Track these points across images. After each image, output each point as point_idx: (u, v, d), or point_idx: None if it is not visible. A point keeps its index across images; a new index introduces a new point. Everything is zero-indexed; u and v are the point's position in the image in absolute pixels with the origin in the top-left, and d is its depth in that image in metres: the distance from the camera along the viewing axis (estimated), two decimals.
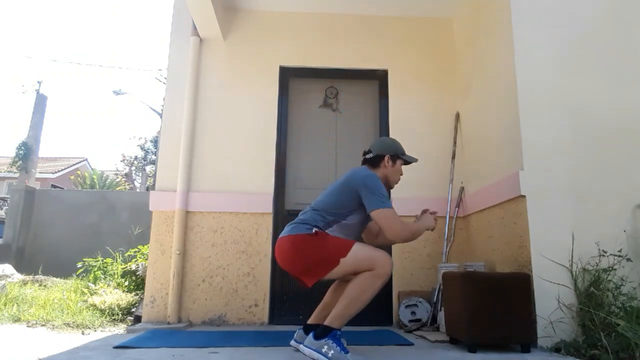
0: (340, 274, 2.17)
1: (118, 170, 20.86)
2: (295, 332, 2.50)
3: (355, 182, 2.22)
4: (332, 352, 1.99)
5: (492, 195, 3.03)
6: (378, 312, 3.46)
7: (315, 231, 2.16)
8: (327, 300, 2.43)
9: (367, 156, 2.44)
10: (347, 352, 2.03)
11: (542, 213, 2.61)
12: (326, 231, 2.21)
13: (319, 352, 1.99)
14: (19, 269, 7.62)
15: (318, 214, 2.24)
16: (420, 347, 2.53)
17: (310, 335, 2.06)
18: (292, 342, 2.40)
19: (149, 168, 19.07)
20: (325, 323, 2.08)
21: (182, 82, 3.66)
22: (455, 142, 3.68)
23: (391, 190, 3.60)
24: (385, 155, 2.39)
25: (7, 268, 6.40)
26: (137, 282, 4.35)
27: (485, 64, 3.29)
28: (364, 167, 2.38)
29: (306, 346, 2.04)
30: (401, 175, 2.46)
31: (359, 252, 2.13)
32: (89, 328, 3.23)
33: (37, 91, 13.27)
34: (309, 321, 2.43)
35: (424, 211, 2.42)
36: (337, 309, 2.09)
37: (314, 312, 2.45)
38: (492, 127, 3.15)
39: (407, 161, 2.47)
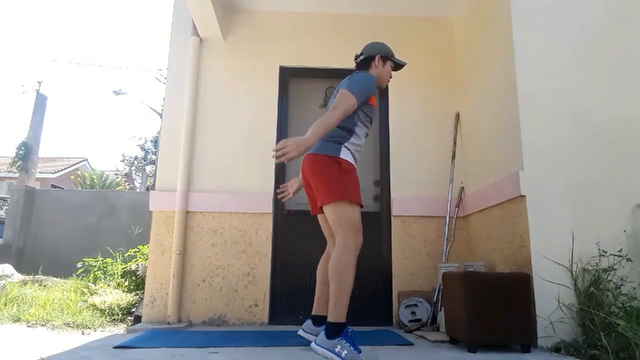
0: (329, 215, 2.23)
1: (118, 170, 20.86)
2: (296, 332, 2.51)
3: (351, 78, 2.35)
4: (345, 352, 1.98)
5: (492, 195, 3.03)
6: (378, 312, 3.46)
7: (339, 160, 2.25)
8: (320, 287, 2.47)
9: (359, 59, 2.54)
10: (360, 352, 2.03)
11: (542, 213, 2.61)
12: (348, 143, 2.30)
13: (332, 352, 1.99)
14: (19, 269, 7.63)
15: (337, 127, 2.29)
16: (420, 347, 2.53)
17: (322, 334, 2.06)
18: (301, 331, 2.42)
19: (149, 168, 19.08)
20: (330, 320, 2.07)
21: (182, 82, 3.66)
22: (455, 142, 3.68)
23: (391, 191, 3.62)
24: (376, 56, 2.50)
25: (7, 268, 6.40)
26: (137, 282, 4.35)
27: (485, 64, 3.29)
28: (360, 72, 2.47)
29: (318, 345, 2.03)
30: (390, 77, 2.56)
31: (350, 212, 2.19)
32: (89, 328, 3.23)
33: (37, 91, 13.26)
34: (315, 311, 2.45)
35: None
36: (330, 300, 2.10)
37: (315, 301, 2.48)
38: (492, 127, 3.15)
39: (397, 63, 2.57)
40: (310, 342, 2.16)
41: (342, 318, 2.07)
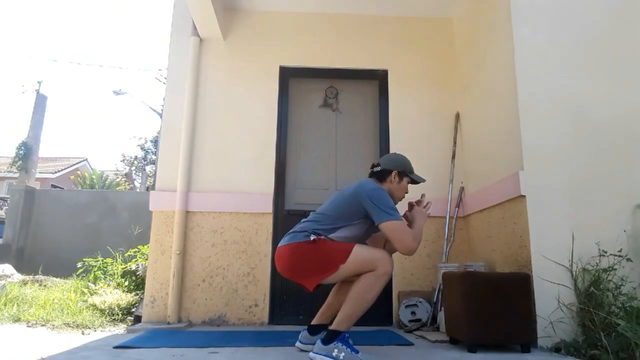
0: (342, 277, 2.19)
1: (118, 170, 20.86)
2: (296, 332, 2.51)
3: (362, 194, 2.21)
4: (342, 354, 1.99)
5: (492, 195, 3.03)
6: (378, 312, 3.46)
7: (314, 238, 2.17)
8: (331, 301, 2.45)
9: (375, 169, 2.42)
10: (357, 352, 2.03)
11: (542, 213, 2.61)
12: (329, 236, 2.21)
13: (330, 357, 2.00)
14: (19, 269, 7.63)
15: (320, 221, 2.24)
16: (420, 347, 2.53)
17: (318, 342, 2.07)
18: (298, 344, 2.41)
19: (149, 168, 19.08)
20: (332, 327, 2.08)
21: (182, 82, 3.66)
22: (455, 142, 3.68)
23: None
24: (393, 171, 2.37)
25: (7, 268, 6.40)
26: (137, 282, 4.35)
27: (485, 64, 3.29)
28: (370, 180, 2.37)
29: (316, 353, 2.03)
30: (406, 193, 2.43)
31: (359, 255, 2.13)
32: (89, 328, 3.23)
33: (37, 91, 13.26)
34: (314, 322, 2.44)
35: (410, 206, 2.39)
36: (342, 312, 2.10)
37: (318, 313, 2.47)
38: (492, 127, 3.15)
39: (414, 180, 2.44)
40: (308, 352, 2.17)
41: (345, 330, 2.08)
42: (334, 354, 2.00)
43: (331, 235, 2.22)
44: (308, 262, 2.16)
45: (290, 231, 2.30)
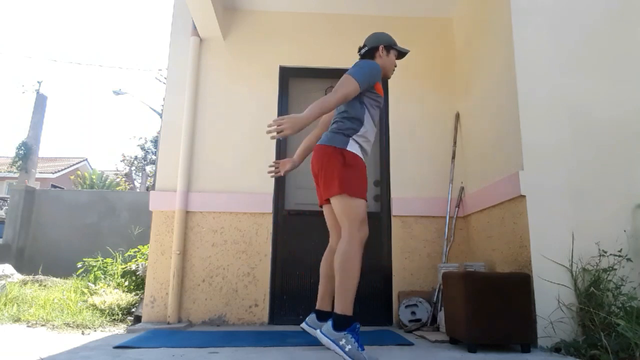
0: (335, 207, 2.25)
1: (118, 170, 20.88)
2: (296, 332, 2.52)
3: (355, 65, 2.33)
4: (349, 346, 1.98)
5: (492, 195, 3.03)
6: (378, 312, 3.46)
7: (350, 152, 2.25)
8: (324, 285, 2.47)
9: (362, 51, 2.55)
10: (363, 349, 2.03)
11: (542, 213, 2.61)
12: (357, 136, 2.30)
13: (336, 344, 1.99)
14: (19, 268, 7.63)
15: (348, 123, 2.32)
16: (420, 347, 2.53)
17: (329, 323, 2.06)
18: (304, 325, 2.43)
19: (149, 168, 19.08)
20: (337, 311, 2.07)
21: (182, 82, 3.66)
22: (455, 142, 3.68)
23: (391, 191, 3.62)
24: (380, 46, 2.50)
25: (7, 268, 6.40)
26: (137, 282, 4.35)
27: (485, 64, 3.29)
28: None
29: (324, 334, 2.03)
30: (395, 66, 2.58)
31: (356, 206, 2.20)
32: (89, 328, 3.23)
33: (37, 91, 13.26)
34: (319, 306, 2.46)
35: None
36: (336, 291, 2.11)
37: (319, 296, 2.49)
38: (492, 127, 3.15)
39: (401, 51, 2.56)
40: (313, 336, 2.17)
41: (349, 310, 2.07)
42: (341, 342, 1.99)
43: (357, 134, 2.31)
44: (332, 169, 2.24)
45: (329, 129, 2.39)
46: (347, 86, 2.21)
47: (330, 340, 2.00)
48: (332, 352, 2.02)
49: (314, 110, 2.11)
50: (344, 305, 2.07)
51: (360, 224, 2.20)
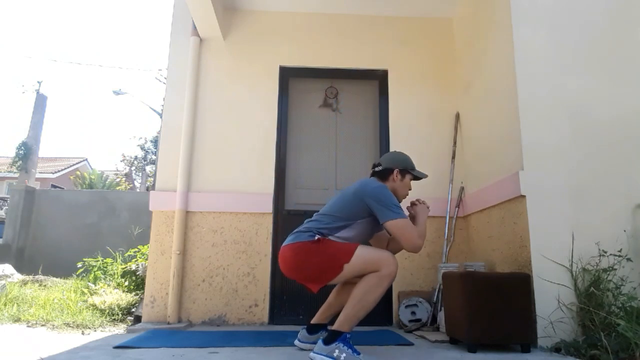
0: (346, 277, 2.18)
1: (118, 170, 20.88)
2: (296, 332, 2.51)
3: (366, 193, 2.21)
4: (343, 355, 1.98)
5: (492, 195, 3.03)
6: (378, 312, 3.45)
7: (318, 238, 2.16)
8: (331, 301, 2.45)
9: (377, 169, 2.42)
10: (358, 354, 2.03)
11: (542, 213, 2.61)
12: (333, 236, 2.21)
13: (330, 357, 1.99)
14: (19, 269, 7.63)
15: (324, 221, 2.24)
16: (420, 347, 2.53)
17: (320, 342, 2.06)
18: (296, 342, 2.41)
19: (149, 168, 19.09)
20: (334, 327, 2.07)
21: (182, 82, 3.66)
22: (455, 142, 3.68)
23: None
24: (395, 169, 2.38)
25: (7, 268, 6.40)
26: (137, 282, 4.35)
27: (485, 64, 3.29)
28: (373, 179, 2.37)
29: (317, 353, 2.03)
30: (409, 189, 2.44)
31: (362, 255, 2.13)
32: (89, 328, 3.23)
33: (37, 91, 13.27)
34: (313, 321, 2.44)
35: (412, 204, 2.43)
36: (344, 312, 2.09)
37: (318, 312, 2.47)
38: (492, 127, 3.15)
39: (417, 177, 2.45)
40: (307, 351, 2.16)
41: (347, 331, 2.07)
42: (334, 354, 1.99)
43: (336, 234, 2.21)
44: (312, 263, 2.15)
45: (295, 231, 2.29)
46: (409, 227, 2.15)
47: (324, 355, 2.00)
48: None
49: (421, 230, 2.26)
50: (345, 326, 2.07)
51: (384, 260, 2.11)
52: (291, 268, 2.22)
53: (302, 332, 2.42)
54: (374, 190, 2.22)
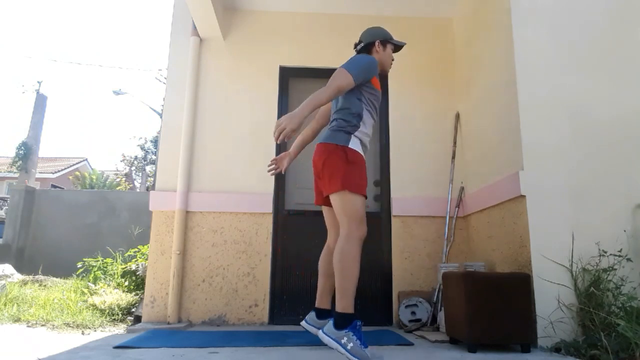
0: (334, 206, 2.25)
1: (118, 170, 20.89)
2: (296, 332, 2.52)
3: (350, 60, 2.32)
4: (351, 344, 1.97)
5: (492, 195, 3.03)
6: (378, 312, 3.46)
7: (353, 151, 2.25)
8: (323, 284, 2.47)
9: (358, 47, 2.55)
10: (366, 346, 2.02)
11: (542, 213, 2.61)
12: (359, 131, 2.30)
13: (338, 342, 1.98)
14: (19, 269, 7.63)
15: (347, 119, 2.31)
16: (420, 347, 2.53)
17: (330, 322, 2.05)
18: (304, 324, 2.43)
19: (149, 168, 19.09)
20: (339, 310, 2.06)
21: (182, 82, 3.66)
22: (455, 142, 3.68)
23: (391, 191, 3.62)
24: (375, 41, 2.51)
25: (7, 268, 6.40)
26: (137, 282, 4.35)
27: (485, 64, 3.29)
28: None
29: (325, 333, 2.02)
30: (392, 60, 2.59)
31: (356, 203, 2.20)
32: (89, 328, 3.23)
33: (37, 91, 13.27)
34: (318, 305, 2.45)
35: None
36: (337, 290, 2.10)
37: (319, 294, 2.48)
38: (492, 127, 3.15)
39: (397, 45, 2.58)
40: (313, 335, 2.16)
41: (350, 308, 2.06)
42: (343, 341, 1.98)
43: (360, 130, 2.31)
44: (336, 167, 2.22)
45: (330, 127, 2.37)
46: (340, 79, 2.19)
47: (332, 339, 2.00)
48: (334, 351, 2.01)
49: (308, 104, 2.10)
50: (344, 304, 2.06)
51: (359, 221, 2.19)
52: (319, 162, 2.30)
53: (311, 314, 2.43)
54: (354, 56, 2.38)
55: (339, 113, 2.36)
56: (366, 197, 2.29)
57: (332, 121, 2.40)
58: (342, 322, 2.03)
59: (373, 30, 2.55)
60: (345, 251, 2.12)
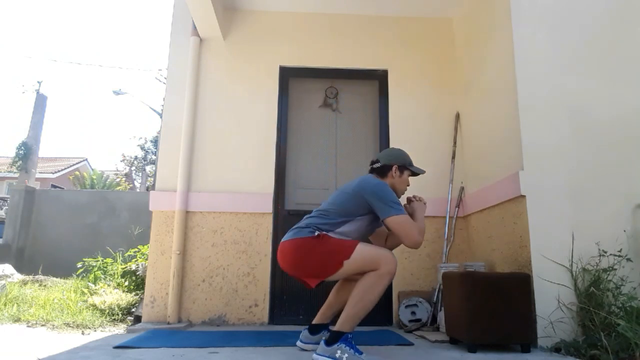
0: (345, 274, 2.18)
1: (118, 170, 20.88)
2: (296, 332, 2.51)
3: (366, 190, 2.22)
4: (345, 355, 1.99)
5: (492, 195, 3.03)
6: (378, 312, 3.44)
7: (318, 234, 2.17)
8: (331, 300, 2.45)
9: (375, 165, 2.43)
10: (361, 353, 2.03)
11: (542, 213, 2.61)
12: (333, 232, 2.22)
13: (332, 358, 1.99)
14: (19, 269, 7.63)
15: (325, 217, 2.24)
16: (420, 347, 2.53)
17: (322, 342, 2.06)
18: (298, 343, 2.41)
19: (149, 168, 19.09)
20: (335, 328, 2.07)
21: (182, 82, 3.66)
22: (455, 142, 3.68)
23: None
24: (393, 166, 2.39)
25: (7, 268, 6.40)
26: (137, 282, 4.35)
27: (485, 64, 3.29)
28: (372, 176, 2.39)
29: (319, 354, 2.03)
30: (408, 185, 2.46)
31: (362, 253, 2.13)
32: (89, 328, 3.23)
33: (37, 91, 13.26)
34: (315, 321, 2.44)
35: (409, 201, 2.44)
36: (345, 312, 2.09)
37: (319, 312, 2.47)
38: (492, 127, 3.15)
39: (415, 172, 2.47)
40: (310, 352, 2.16)
41: (348, 331, 2.07)
42: (337, 355, 1.99)
43: (337, 230, 2.22)
44: (312, 259, 2.16)
45: (295, 226, 2.30)
46: (408, 224, 2.15)
47: (326, 357, 2.01)
48: None
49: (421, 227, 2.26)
50: (346, 327, 2.07)
51: (381, 260, 2.10)
52: (291, 264, 2.21)
53: (304, 332, 2.42)
54: (374, 187, 2.22)
55: (321, 212, 2.29)
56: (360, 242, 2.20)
57: (304, 219, 2.33)
58: (333, 338, 2.04)
59: (393, 153, 2.46)
60: (374, 286, 2.07)
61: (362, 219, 2.27)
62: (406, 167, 2.42)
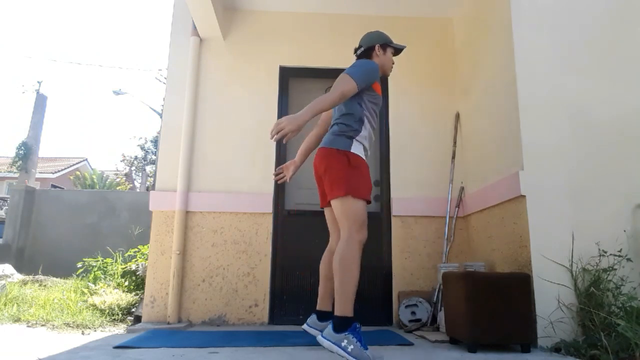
0: (335, 210, 2.24)
1: (118, 170, 20.89)
2: (296, 332, 2.52)
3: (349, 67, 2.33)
4: (351, 346, 1.97)
5: (492, 195, 3.03)
6: (378, 312, 3.46)
7: (354, 154, 2.26)
8: (324, 287, 2.46)
9: (358, 52, 2.55)
10: (366, 348, 2.02)
11: (542, 213, 2.61)
12: (360, 136, 2.31)
13: (338, 346, 1.98)
14: (19, 269, 7.63)
15: (348, 124, 2.32)
16: (420, 347, 2.53)
17: (330, 326, 2.05)
18: (305, 327, 2.42)
19: (149, 168, 19.09)
20: (338, 313, 2.07)
21: (182, 82, 3.66)
22: (455, 142, 3.68)
23: (391, 191, 3.62)
24: (375, 46, 2.51)
25: (7, 268, 6.40)
26: (137, 282, 4.35)
27: (485, 64, 3.29)
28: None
29: (325, 337, 2.03)
30: (393, 64, 2.58)
31: (359, 208, 2.20)
32: (89, 328, 3.23)
33: (37, 91, 13.26)
34: (319, 307, 2.45)
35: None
36: (336, 294, 2.10)
37: (320, 297, 2.47)
38: (492, 127, 3.15)
39: (397, 48, 2.57)
40: (314, 337, 2.16)
41: (349, 312, 2.06)
42: (343, 344, 1.98)
43: (361, 134, 2.32)
44: (339, 172, 2.23)
45: (331, 131, 2.37)
46: (344, 85, 2.20)
47: (332, 342, 2.00)
48: (334, 353, 2.01)
49: (312, 108, 2.10)
50: (343, 307, 2.06)
51: (360, 226, 2.19)
52: (321, 167, 2.31)
53: (312, 317, 2.43)
54: (356, 61, 2.41)
55: (341, 118, 2.37)
56: (369, 202, 2.29)
57: (333, 125, 2.40)
58: (341, 325, 2.03)
59: (372, 35, 2.55)
60: (345, 255, 2.12)
61: (366, 110, 2.35)
62: (388, 44, 2.53)
